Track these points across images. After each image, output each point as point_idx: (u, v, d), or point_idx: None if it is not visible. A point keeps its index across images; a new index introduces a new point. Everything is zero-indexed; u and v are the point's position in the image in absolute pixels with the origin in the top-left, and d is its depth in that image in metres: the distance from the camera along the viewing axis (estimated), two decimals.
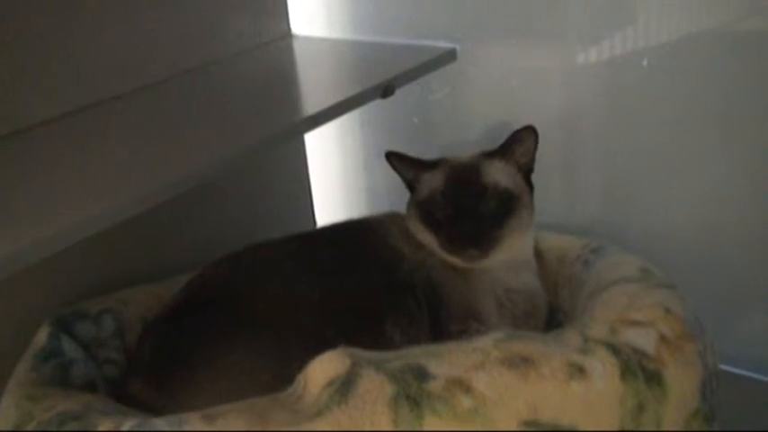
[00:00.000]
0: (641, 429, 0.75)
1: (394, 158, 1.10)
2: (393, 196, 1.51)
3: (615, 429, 0.74)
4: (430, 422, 0.71)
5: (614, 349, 0.78)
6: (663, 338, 0.81)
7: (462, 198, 1.04)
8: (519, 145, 1.06)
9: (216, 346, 0.92)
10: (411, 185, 1.11)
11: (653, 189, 1.22)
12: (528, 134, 1.06)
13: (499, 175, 1.06)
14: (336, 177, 1.57)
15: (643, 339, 0.80)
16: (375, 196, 1.55)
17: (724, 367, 1.03)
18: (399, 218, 1.12)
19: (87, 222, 0.81)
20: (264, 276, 1.01)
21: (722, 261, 1.20)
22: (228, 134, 1.00)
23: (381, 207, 1.51)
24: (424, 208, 1.06)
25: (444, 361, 0.75)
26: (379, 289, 1.01)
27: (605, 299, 0.92)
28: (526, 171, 1.09)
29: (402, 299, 1.01)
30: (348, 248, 1.07)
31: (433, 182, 1.07)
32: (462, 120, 1.35)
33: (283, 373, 0.79)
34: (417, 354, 0.77)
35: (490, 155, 1.08)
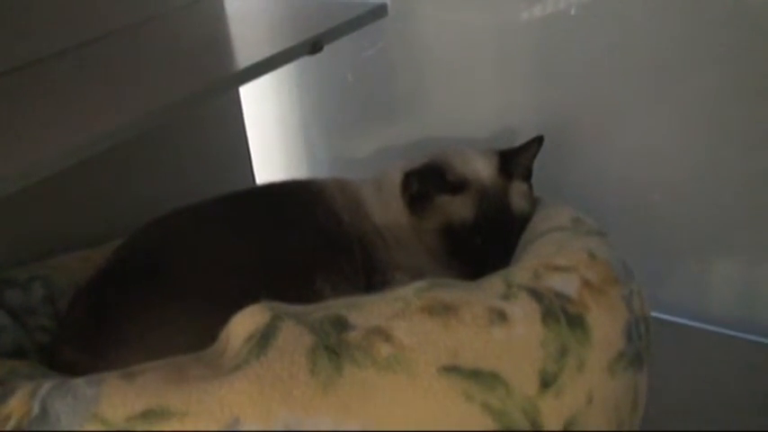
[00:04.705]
0: (564, 371, 0.76)
1: (416, 178, 1.05)
2: (332, 152, 1.51)
3: (537, 372, 0.74)
4: (349, 371, 0.70)
5: (536, 294, 0.78)
6: (586, 283, 0.81)
7: (494, 232, 1.03)
8: (531, 156, 1.07)
9: (147, 308, 0.91)
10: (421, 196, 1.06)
11: (585, 142, 1.23)
12: (539, 144, 1.06)
13: (522, 199, 1.06)
14: (274, 136, 1.56)
15: (566, 283, 0.80)
16: (313, 154, 1.54)
17: (658, 315, 1.05)
18: (345, 184, 1.11)
19: (11, 178, 0.78)
20: (195, 237, 1.00)
21: (655, 212, 1.22)
22: (159, 88, 0.98)
23: (320, 165, 1.51)
24: (450, 235, 1.04)
25: (365, 311, 0.75)
26: (313, 248, 1.01)
27: (536, 247, 0.93)
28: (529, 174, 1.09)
29: (336, 260, 1.01)
30: (286, 208, 1.06)
31: (462, 210, 1.04)
32: (395, 76, 1.34)
33: (214, 332, 0.78)
34: (339, 305, 0.77)
35: (507, 172, 1.06)
